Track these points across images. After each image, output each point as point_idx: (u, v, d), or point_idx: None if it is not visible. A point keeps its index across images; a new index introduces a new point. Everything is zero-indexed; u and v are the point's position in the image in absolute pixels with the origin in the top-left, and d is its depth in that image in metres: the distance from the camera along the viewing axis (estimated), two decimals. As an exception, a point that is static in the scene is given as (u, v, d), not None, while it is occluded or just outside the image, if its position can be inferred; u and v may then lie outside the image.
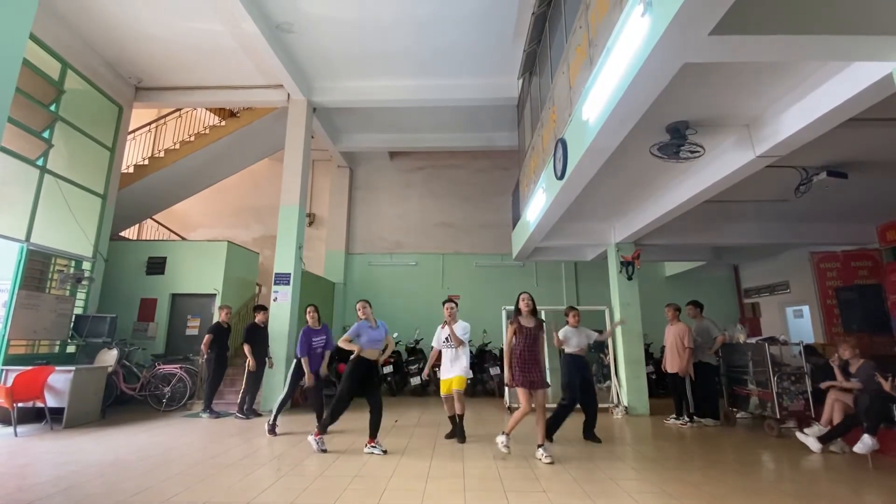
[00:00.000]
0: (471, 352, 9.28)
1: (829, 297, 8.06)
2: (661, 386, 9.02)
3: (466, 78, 8.30)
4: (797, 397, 5.61)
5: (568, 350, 5.44)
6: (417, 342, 9.33)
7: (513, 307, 4.80)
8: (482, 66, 8.01)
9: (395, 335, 9.51)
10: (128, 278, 8.37)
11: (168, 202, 10.52)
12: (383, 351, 4.86)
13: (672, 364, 6.27)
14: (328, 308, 10.71)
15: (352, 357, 4.70)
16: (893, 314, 6.91)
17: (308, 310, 5.62)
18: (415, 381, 8.73)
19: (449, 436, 5.30)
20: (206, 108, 10.77)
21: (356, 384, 4.65)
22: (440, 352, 5.41)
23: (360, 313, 4.81)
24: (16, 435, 5.28)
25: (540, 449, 4.36)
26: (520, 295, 4.67)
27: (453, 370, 5.20)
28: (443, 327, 5.36)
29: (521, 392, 4.36)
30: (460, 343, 5.20)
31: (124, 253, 8.48)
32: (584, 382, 5.31)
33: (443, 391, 5.33)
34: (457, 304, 5.44)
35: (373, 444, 4.62)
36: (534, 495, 3.41)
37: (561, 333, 5.51)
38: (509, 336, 4.57)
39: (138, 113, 9.46)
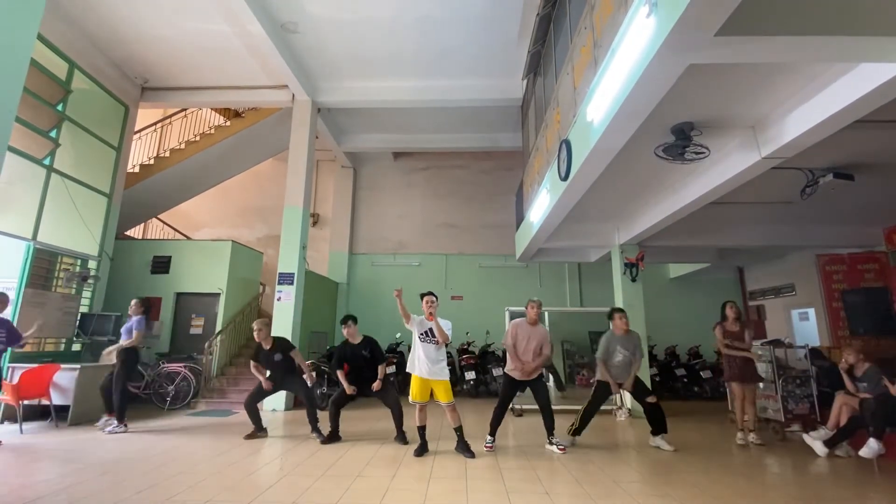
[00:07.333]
0: (473, 352, 9.35)
1: (834, 299, 7.99)
2: (666, 388, 9.00)
3: (471, 78, 8.29)
4: (802, 400, 5.58)
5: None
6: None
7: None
8: (486, 67, 8.01)
9: (398, 335, 9.54)
10: (133, 277, 8.42)
11: (173, 202, 10.58)
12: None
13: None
14: (331, 308, 10.74)
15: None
16: (900, 317, 6.84)
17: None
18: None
19: (418, 452, 4.51)
20: (212, 109, 10.82)
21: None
22: (410, 319, 4.53)
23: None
24: (21, 432, 5.32)
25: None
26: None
27: (434, 371, 4.48)
28: (428, 318, 4.52)
29: None
30: (446, 339, 4.49)
31: (129, 252, 8.54)
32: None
33: (416, 396, 4.51)
34: (437, 298, 4.65)
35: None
36: (536, 496, 3.40)
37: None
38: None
39: (144, 113, 9.52)
